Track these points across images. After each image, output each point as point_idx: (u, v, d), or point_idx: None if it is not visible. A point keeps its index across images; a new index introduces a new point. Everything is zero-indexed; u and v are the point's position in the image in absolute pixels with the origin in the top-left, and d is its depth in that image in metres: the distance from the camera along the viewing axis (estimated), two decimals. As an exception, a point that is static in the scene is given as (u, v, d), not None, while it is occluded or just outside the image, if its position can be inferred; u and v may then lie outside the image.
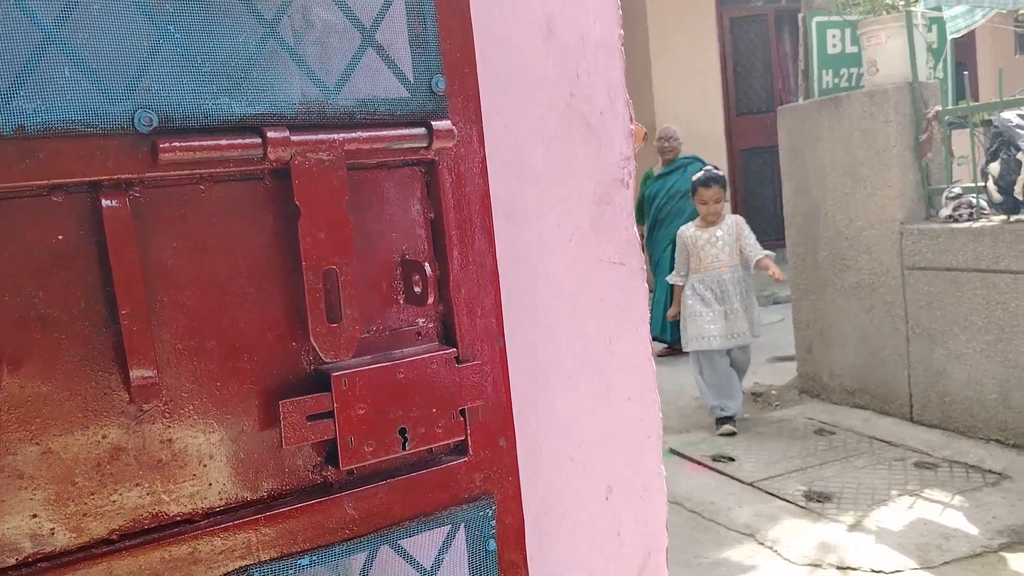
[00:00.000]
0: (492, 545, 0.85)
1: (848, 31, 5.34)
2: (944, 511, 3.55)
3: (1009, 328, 4.00)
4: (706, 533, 3.58)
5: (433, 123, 0.79)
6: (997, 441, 4.13)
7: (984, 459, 3.99)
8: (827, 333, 5.07)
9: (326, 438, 0.76)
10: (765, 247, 10.47)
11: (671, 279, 5.06)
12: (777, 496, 3.80)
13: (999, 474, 3.82)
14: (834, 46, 5.41)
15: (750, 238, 4.79)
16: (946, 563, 3.17)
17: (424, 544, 0.84)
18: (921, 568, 3.15)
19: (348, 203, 0.76)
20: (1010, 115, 4.04)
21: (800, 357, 5.34)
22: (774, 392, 5.44)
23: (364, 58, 0.80)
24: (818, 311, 5.13)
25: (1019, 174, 3.93)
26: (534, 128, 1.01)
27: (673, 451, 4.53)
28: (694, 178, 4.97)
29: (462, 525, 0.85)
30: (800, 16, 5.69)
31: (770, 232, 8.98)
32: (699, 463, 4.32)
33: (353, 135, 0.76)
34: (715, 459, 4.32)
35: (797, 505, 3.70)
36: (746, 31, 10.00)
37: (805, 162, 5.10)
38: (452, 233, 0.82)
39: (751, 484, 3.97)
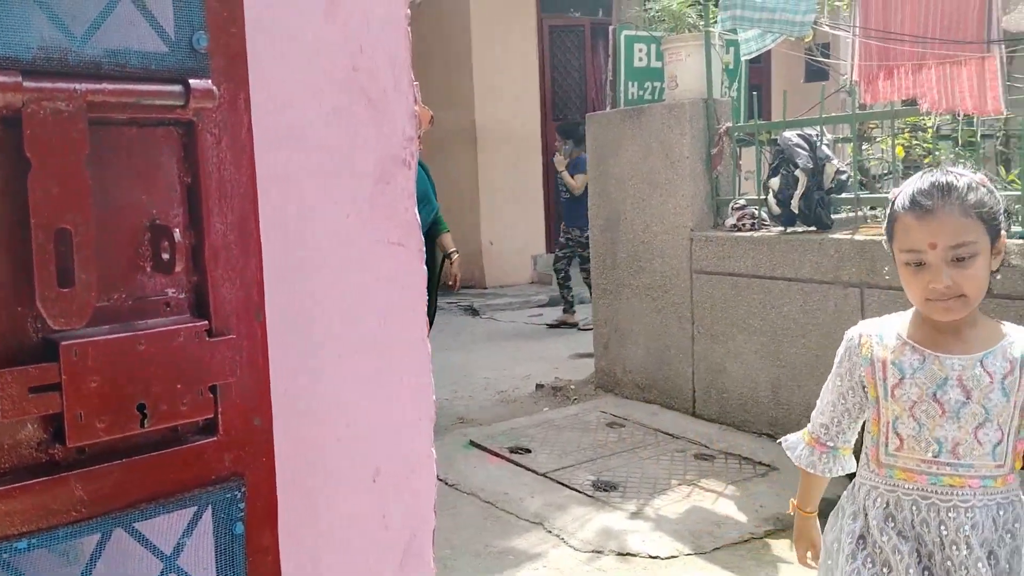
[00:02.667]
0: (240, 529, 0.82)
1: (654, 46, 5.62)
2: (718, 500, 3.80)
3: (781, 331, 4.35)
4: (497, 523, 3.65)
5: (191, 81, 0.75)
6: (768, 435, 4.47)
7: (756, 451, 4.31)
8: (622, 331, 5.31)
9: (52, 412, 0.70)
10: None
11: (801, 456, 1.86)
12: (567, 486, 3.94)
13: (768, 466, 4.14)
14: (640, 59, 5.68)
15: None
16: (716, 548, 3.40)
17: (165, 527, 0.79)
18: (694, 554, 3.36)
19: (90, 159, 0.71)
20: (791, 134, 4.39)
21: (597, 354, 5.57)
22: (572, 387, 5.63)
23: (119, 7, 0.74)
24: (615, 310, 5.36)
25: (796, 189, 4.28)
26: (313, 99, 0.98)
27: (473, 443, 4.59)
28: (893, 193, 1.69)
29: (208, 507, 0.81)
30: (611, 28, 5.92)
31: (579, 235, 9.32)
32: (497, 455, 4.40)
33: (98, 86, 0.70)
34: (512, 451, 4.42)
35: (585, 494, 3.85)
36: (564, 39, 10.31)
37: (609, 168, 5.32)
38: (210, 199, 0.78)
39: (544, 475, 4.09)
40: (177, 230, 0.75)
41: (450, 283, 5.29)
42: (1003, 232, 1.59)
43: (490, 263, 9.89)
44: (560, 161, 7.58)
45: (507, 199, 9.81)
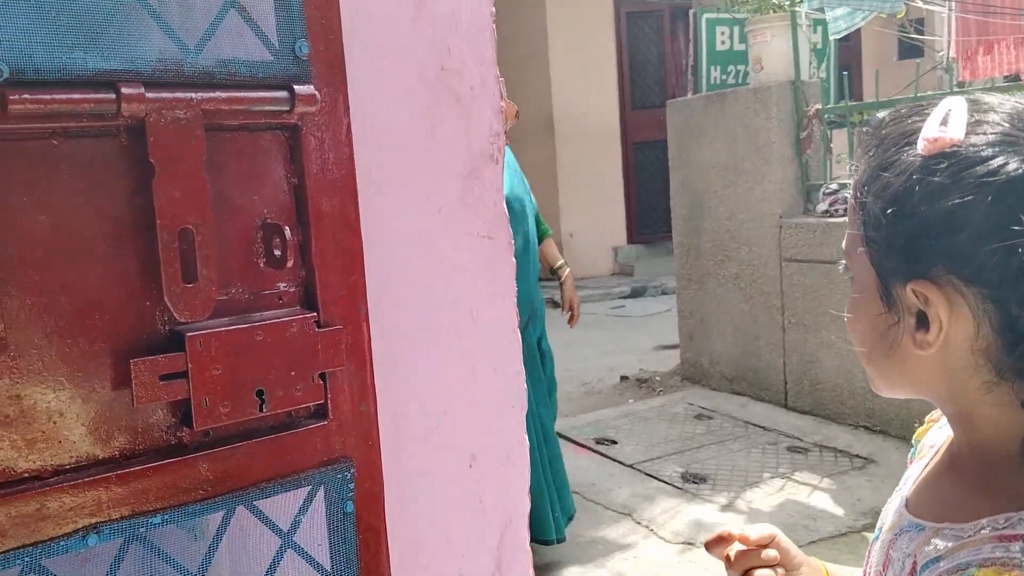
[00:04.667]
0: (350, 508, 0.87)
1: (736, 28, 5.53)
2: (812, 493, 3.74)
3: (874, 318, 4.24)
4: (586, 513, 3.68)
5: (295, 87, 0.80)
6: (865, 427, 4.37)
7: (852, 444, 4.22)
8: (708, 322, 5.26)
9: (180, 398, 0.76)
10: (656, 240, 10.84)
11: None
12: (655, 477, 3.94)
13: (865, 459, 4.05)
14: (723, 43, 5.60)
15: None
16: (812, 542, 3.35)
17: (282, 506, 0.84)
18: (787, 544, 3.31)
19: (207, 163, 0.76)
20: (884, 115, 4.26)
21: (683, 345, 5.53)
22: (658, 378, 5.61)
23: (227, 19, 0.80)
24: (700, 301, 5.31)
25: (888, 174, 4.16)
26: (403, 99, 1.02)
27: (558, 434, 4.61)
28: None
29: (320, 488, 0.86)
30: (691, 12, 5.86)
31: (661, 225, 9.23)
32: (583, 446, 4.42)
33: (211, 95, 0.76)
34: (598, 442, 4.43)
35: (674, 486, 3.84)
36: (641, 25, 10.22)
37: (691, 156, 5.26)
38: (315, 198, 0.83)
39: (631, 466, 4.09)
40: (287, 228, 0.80)
41: (565, 311, 3.67)
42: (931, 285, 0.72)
43: (571, 255, 9.90)
44: None
45: (586, 190, 9.80)
